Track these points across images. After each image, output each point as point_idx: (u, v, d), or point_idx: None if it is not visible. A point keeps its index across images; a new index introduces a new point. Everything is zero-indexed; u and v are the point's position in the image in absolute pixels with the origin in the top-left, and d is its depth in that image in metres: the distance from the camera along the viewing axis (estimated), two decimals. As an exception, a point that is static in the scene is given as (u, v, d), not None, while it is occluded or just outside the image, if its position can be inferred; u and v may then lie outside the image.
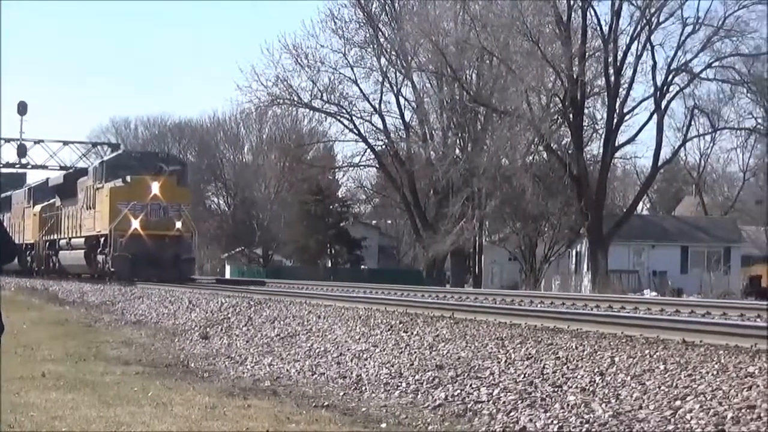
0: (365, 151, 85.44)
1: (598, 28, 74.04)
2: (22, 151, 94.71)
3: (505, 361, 16.55)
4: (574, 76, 71.78)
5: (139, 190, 50.02)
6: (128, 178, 50.45)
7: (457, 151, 79.97)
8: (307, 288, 46.37)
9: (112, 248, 49.44)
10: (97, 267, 52.95)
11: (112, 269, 49.82)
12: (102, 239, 51.72)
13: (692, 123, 79.37)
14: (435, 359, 17.57)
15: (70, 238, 58.97)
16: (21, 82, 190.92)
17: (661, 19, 73.49)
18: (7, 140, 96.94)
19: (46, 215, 64.88)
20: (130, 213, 49.43)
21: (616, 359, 15.58)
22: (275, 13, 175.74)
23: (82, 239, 55.66)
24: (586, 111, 74.90)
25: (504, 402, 14.15)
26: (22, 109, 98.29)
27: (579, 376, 14.78)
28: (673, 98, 76.19)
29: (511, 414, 13.54)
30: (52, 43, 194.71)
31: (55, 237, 62.64)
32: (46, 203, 66.06)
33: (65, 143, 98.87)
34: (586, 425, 12.55)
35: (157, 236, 49.65)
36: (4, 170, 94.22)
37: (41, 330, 27.83)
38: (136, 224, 49.20)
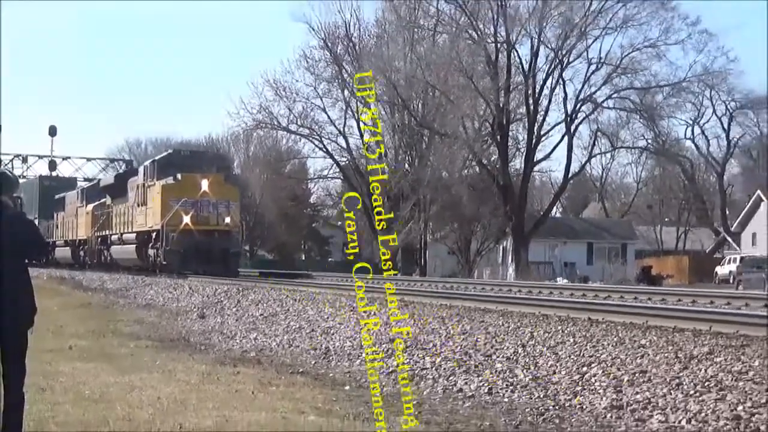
0: (332, 166, 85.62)
1: (520, 66, 74.57)
2: (52, 165, 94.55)
3: (445, 336, 16.56)
4: (501, 105, 72.09)
5: (190, 187, 44.21)
6: (179, 176, 44.87)
7: (406, 165, 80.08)
8: (347, 280, 44.47)
9: (164, 243, 43.98)
10: (149, 261, 47.32)
11: (164, 263, 44.36)
12: (154, 234, 46.18)
13: (596, 143, 79.77)
14: (389, 334, 17.58)
15: (121, 234, 52.87)
16: (52, 109, 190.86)
17: (571, 59, 74.10)
18: (41, 157, 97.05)
19: (98, 213, 58.69)
20: (181, 209, 43.61)
21: (535, 334, 15.63)
22: (259, 54, 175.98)
23: (134, 234, 49.81)
24: (510, 133, 75.25)
25: (444, 369, 14.16)
26: (53, 131, 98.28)
27: (505, 348, 14.81)
28: (580, 123, 76.66)
29: (450, 378, 13.56)
30: (77, 75, 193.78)
31: (107, 233, 56.33)
32: (97, 202, 59.75)
33: (88, 159, 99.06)
34: (511, 387, 12.58)
35: (207, 231, 43.93)
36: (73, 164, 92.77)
37: (68, 312, 27.65)
38: (187, 219, 43.45)
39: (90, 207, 60.89)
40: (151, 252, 46.76)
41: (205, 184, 44.16)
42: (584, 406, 11.27)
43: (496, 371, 13.45)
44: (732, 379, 11.15)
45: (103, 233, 57.31)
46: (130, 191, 51.67)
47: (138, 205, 49.21)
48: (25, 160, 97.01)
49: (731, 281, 61.89)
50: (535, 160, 75.99)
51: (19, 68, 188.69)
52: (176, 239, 43.49)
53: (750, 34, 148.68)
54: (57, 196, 72.27)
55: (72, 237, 66.04)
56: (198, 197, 44.11)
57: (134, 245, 49.52)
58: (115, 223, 54.45)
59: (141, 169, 51.06)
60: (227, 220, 44.50)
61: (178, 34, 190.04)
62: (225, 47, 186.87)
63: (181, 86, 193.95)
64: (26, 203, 77.69)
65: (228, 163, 53.26)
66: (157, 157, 50.39)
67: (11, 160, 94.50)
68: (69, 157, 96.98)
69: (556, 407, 11.38)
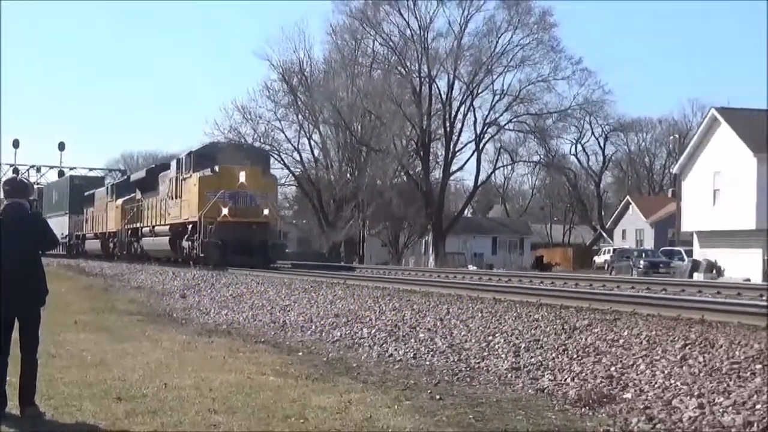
0: (288, 176, 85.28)
1: (439, 96, 75.32)
2: (61, 174, 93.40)
3: (379, 311, 16.59)
4: (424, 127, 72.78)
5: (227, 179, 37.27)
6: (216, 168, 37.76)
7: (348, 175, 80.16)
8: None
9: (201, 235, 36.79)
10: (182, 252, 39.85)
11: (202, 255, 36.84)
12: (189, 226, 38.98)
13: (499, 157, 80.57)
14: (333, 310, 17.57)
15: (153, 227, 45.24)
16: (59, 127, 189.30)
17: (480, 91, 75.11)
18: (52, 167, 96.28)
19: (128, 207, 51.00)
20: (219, 201, 36.75)
21: (451, 310, 15.69)
22: (229, 85, 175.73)
23: (167, 227, 42.38)
24: (431, 150, 75.89)
25: (378, 338, 14.19)
26: (62, 146, 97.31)
27: (427, 321, 14.86)
28: (487, 142, 77.55)
29: (383, 346, 13.59)
30: (82, 96, 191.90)
31: (138, 225, 48.56)
32: (127, 197, 52.05)
33: (90, 170, 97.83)
34: (431, 352, 12.63)
35: (245, 223, 36.81)
36: (79, 173, 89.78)
37: (74, 293, 27.36)
38: (225, 211, 36.59)
39: (120, 201, 53.48)
40: (185, 244, 39.62)
41: (243, 176, 37.61)
42: (490, 368, 11.35)
43: (419, 340, 13.49)
44: (606, 346, 11.28)
45: (134, 226, 50.01)
46: (161, 184, 44.90)
47: (171, 198, 42.02)
48: (38, 169, 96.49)
49: (606, 268, 62.52)
50: (451, 171, 76.73)
51: (37, 92, 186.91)
52: (214, 231, 36.61)
53: (624, 71, 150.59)
54: (87, 193, 65.81)
55: (102, 230, 59.50)
56: (236, 189, 37.48)
57: (167, 237, 42.57)
58: (147, 216, 47.17)
59: (173, 163, 43.11)
60: (266, 212, 37.63)
61: (163, 68, 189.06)
62: (202, 79, 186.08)
63: (166, 110, 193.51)
64: (58, 200, 75.59)
65: (266, 154, 45.72)
66: (193, 149, 42.33)
67: (27, 170, 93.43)
68: (74, 168, 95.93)
69: (468, 369, 11.45)
